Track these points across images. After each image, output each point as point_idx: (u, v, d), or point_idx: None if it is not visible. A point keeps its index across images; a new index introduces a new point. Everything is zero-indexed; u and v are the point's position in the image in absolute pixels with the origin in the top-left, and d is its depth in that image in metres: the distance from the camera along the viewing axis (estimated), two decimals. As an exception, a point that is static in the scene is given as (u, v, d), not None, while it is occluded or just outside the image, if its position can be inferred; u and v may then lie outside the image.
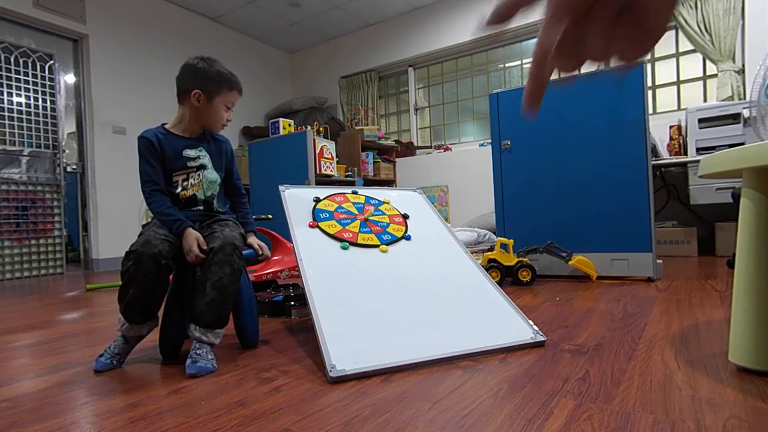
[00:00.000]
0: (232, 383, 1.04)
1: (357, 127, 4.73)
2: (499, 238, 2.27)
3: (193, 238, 1.21)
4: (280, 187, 1.68)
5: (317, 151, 3.57)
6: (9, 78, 3.59)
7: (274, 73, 5.70)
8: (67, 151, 3.94)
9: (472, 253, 2.67)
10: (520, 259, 2.18)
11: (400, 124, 5.35)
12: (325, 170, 3.66)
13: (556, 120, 2.37)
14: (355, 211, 1.65)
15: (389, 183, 4.72)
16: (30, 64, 3.69)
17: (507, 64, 4.64)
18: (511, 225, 2.49)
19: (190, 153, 1.34)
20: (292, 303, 1.77)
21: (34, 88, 3.72)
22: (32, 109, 3.72)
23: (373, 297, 1.29)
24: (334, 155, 3.82)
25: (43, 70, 3.76)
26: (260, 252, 1.36)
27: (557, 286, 2.10)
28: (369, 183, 4.45)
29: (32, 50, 3.70)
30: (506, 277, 2.19)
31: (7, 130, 3.58)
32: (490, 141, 4.17)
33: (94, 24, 3.91)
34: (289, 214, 1.55)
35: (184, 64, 1.34)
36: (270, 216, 2.29)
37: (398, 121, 5.37)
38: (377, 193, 1.80)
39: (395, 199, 1.79)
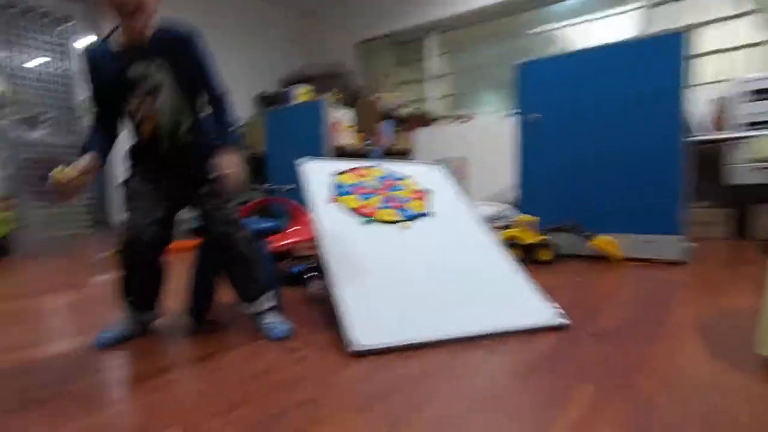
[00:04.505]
0: (257, 353, 1.07)
1: (374, 96, 4.63)
2: (521, 215, 2.23)
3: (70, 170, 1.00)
4: (298, 161, 1.67)
5: (334, 120, 3.53)
6: (29, 40, 3.59)
7: (288, 38, 5.56)
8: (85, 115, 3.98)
9: (492, 228, 2.65)
10: (542, 237, 2.15)
11: (419, 93, 5.21)
12: (343, 140, 3.63)
13: (584, 92, 2.26)
14: (377, 185, 1.64)
15: (407, 153, 4.66)
16: (48, 27, 3.68)
17: (531, 30, 4.43)
18: (533, 201, 2.43)
19: (135, 70, 1.05)
20: (311, 275, 1.79)
21: (52, 51, 3.72)
22: (51, 71, 3.73)
23: (393, 273, 1.30)
24: (351, 124, 3.77)
25: (61, 33, 3.75)
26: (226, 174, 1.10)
27: (579, 267, 2.07)
28: (386, 153, 4.40)
29: (50, 13, 3.68)
30: (527, 256, 2.16)
31: (28, 92, 3.61)
32: (513, 112, 4.05)
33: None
34: (309, 188, 1.55)
35: None
36: (289, 188, 2.29)
37: (417, 89, 5.23)
38: (398, 167, 1.78)
39: (416, 173, 1.77)
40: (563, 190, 2.34)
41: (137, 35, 1.05)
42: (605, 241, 2.12)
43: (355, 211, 1.50)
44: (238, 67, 4.86)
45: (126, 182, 1.15)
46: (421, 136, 4.69)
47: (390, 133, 4.50)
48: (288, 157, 3.52)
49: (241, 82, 4.87)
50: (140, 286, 1.17)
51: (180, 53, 1.08)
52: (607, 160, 2.22)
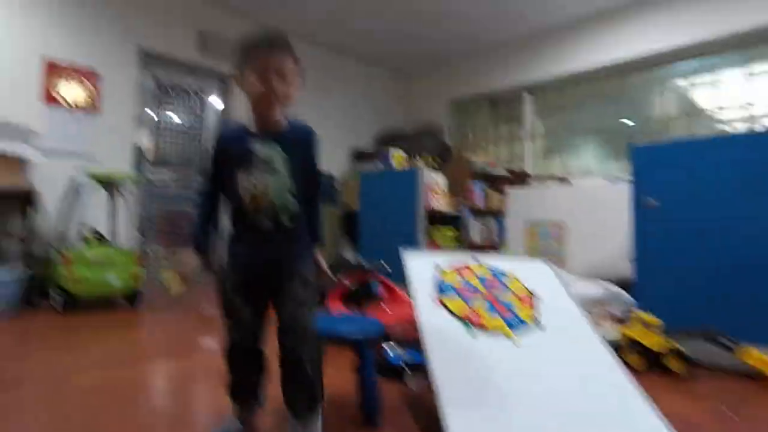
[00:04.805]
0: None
1: (467, 155, 4.63)
2: (639, 312, 1.99)
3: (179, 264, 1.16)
4: (403, 252, 1.67)
5: (428, 185, 3.56)
6: (176, 107, 4.24)
7: (383, 95, 5.84)
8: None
9: (601, 316, 2.41)
10: (669, 343, 1.85)
11: (513, 152, 5.11)
12: (435, 205, 3.64)
13: (719, 176, 2.02)
14: (480, 287, 1.58)
15: (498, 214, 4.54)
16: (189, 97, 4.32)
17: (639, 92, 4.16)
18: (653, 293, 2.15)
19: (257, 149, 1.13)
20: (410, 369, 1.75)
21: (189, 113, 4.34)
22: (186, 128, 4.32)
23: (505, 401, 1.19)
24: (443, 188, 3.78)
25: (198, 102, 4.38)
26: (324, 276, 1.25)
27: (720, 385, 1.71)
28: (477, 214, 4.32)
29: (192, 88, 4.32)
30: (649, 363, 1.86)
31: (168, 145, 4.19)
32: (620, 177, 3.77)
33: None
34: (413, 286, 1.53)
35: None
36: (387, 268, 2.32)
37: (511, 147, 5.13)
38: (502, 264, 1.70)
39: (521, 272, 1.68)
40: (693, 282, 2.05)
41: (271, 123, 1.16)
42: (757, 358, 1.74)
43: (460, 316, 1.44)
44: (337, 122, 5.20)
45: (222, 291, 1.20)
46: (514, 196, 4.54)
47: (481, 192, 4.43)
48: (381, 220, 3.63)
49: (338, 136, 5.19)
50: (244, 386, 1.22)
51: (301, 146, 1.19)
52: (755, 248, 1.91)
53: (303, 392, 1.14)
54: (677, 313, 2.00)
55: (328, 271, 1.25)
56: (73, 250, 2.85)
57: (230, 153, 1.16)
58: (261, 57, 1.10)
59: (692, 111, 3.89)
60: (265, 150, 1.13)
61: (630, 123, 4.18)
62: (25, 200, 2.98)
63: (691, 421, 1.42)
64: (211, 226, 1.23)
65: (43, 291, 2.94)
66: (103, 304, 2.97)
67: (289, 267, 1.16)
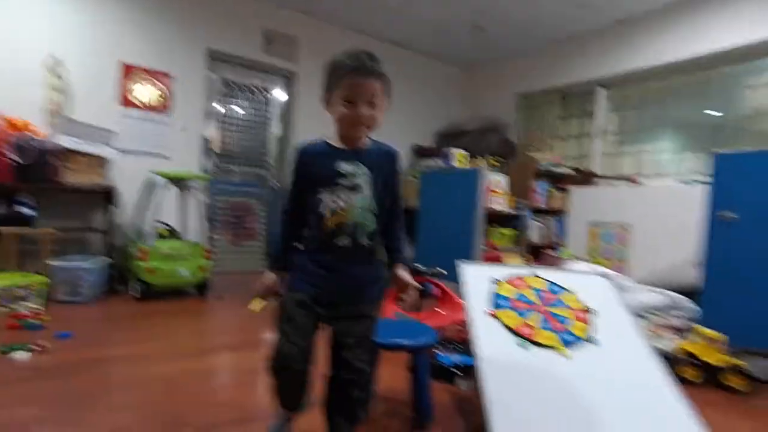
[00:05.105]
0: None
1: (531, 154, 4.47)
2: (699, 327, 1.87)
3: (260, 283, 1.20)
4: (458, 263, 1.68)
5: (488, 186, 3.50)
6: (241, 102, 4.48)
7: (445, 90, 5.70)
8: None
9: (660, 326, 2.28)
10: (731, 360, 1.78)
11: (582, 149, 4.85)
12: (494, 204, 3.57)
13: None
14: (536, 300, 1.57)
15: (559, 213, 4.37)
16: (254, 93, 4.54)
17: (729, 85, 3.77)
18: (719, 305, 2.06)
19: (342, 167, 1.13)
20: (460, 372, 1.77)
21: (256, 111, 4.56)
22: (250, 119, 4.53)
23: (551, 411, 1.24)
24: (504, 187, 3.70)
25: (263, 97, 4.56)
26: (409, 300, 1.23)
27: None
28: (537, 213, 4.19)
29: (257, 86, 4.54)
30: (705, 377, 1.81)
31: (232, 136, 4.46)
32: (695, 179, 3.48)
33: (303, 64, 4.54)
34: (468, 297, 1.56)
35: None
36: (443, 271, 2.33)
37: (579, 145, 4.88)
38: (559, 278, 1.67)
39: (578, 287, 1.65)
40: (764, 301, 1.93)
41: (355, 143, 1.16)
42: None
43: (513, 329, 1.45)
44: (396, 117, 5.11)
45: (283, 302, 1.17)
46: (578, 196, 4.34)
47: (543, 191, 4.28)
48: (439, 219, 3.62)
49: (397, 131, 5.12)
50: (289, 393, 1.19)
51: (385, 165, 1.18)
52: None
53: (347, 420, 1.14)
54: (745, 327, 1.92)
55: (414, 284, 1.21)
56: (148, 243, 3.02)
57: (314, 170, 1.15)
58: (349, 81, 1.08)
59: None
60: (349, 168, 1.13)
61: (716, 114, 3.82)
62: (106, 197, 3.19)
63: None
64: (292, 245, 1.22)
65: (123, 279, 3.16)
66: (175, 292, 3.14)
67: (360, 301, 1.16)
